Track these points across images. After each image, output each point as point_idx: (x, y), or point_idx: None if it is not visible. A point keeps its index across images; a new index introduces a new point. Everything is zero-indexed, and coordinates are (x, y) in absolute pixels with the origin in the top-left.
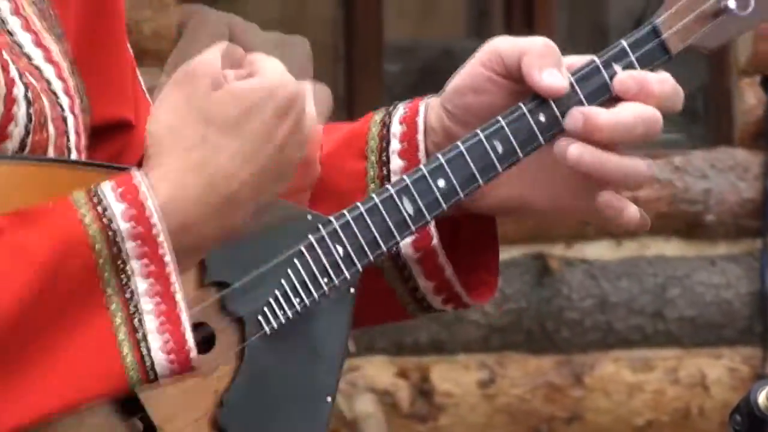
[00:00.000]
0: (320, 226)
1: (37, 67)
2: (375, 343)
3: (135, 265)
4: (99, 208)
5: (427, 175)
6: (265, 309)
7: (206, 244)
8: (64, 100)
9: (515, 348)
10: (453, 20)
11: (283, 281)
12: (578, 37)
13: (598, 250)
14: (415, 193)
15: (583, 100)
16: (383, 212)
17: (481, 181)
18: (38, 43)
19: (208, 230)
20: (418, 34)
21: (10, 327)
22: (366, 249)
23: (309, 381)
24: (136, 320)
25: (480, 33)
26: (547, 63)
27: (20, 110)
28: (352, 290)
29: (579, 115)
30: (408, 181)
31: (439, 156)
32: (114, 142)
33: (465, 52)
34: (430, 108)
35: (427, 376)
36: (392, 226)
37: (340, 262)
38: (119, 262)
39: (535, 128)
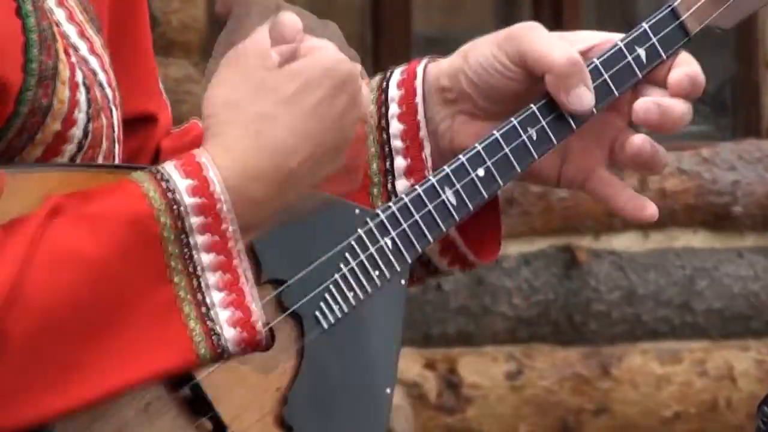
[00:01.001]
0: (368, 220)
1: (83, 58)
2: (402, 335)
3: (199, 239)
4: (163, 184)
5: (466, 163)
6: (321, 304)
7: (266, 219)
8: (108, 92)
9: (543, 340)
10: (481, 11)
11: (336, 276)
12: (607, 26)
13: (626, 242)
14: (455, 181)
15: (611, 84)
16: (426, 202)
17: (519, 168)
18: (82, 35)
19: (269, 205)
20: (446, 25)
21: (82, 302)
22: (413, 240)
23: (367, 374)
24: (200, 294)
25: (508, 24)
26: (573, 83)
27: (82, 96)
28: (403, 282)
29: (654, 106)
30: (448, 170)
31: (477, 145)
32: (137, 136)
33: None
34: (438, 70)
35: (454, 368)
36: (437, 216)
37: (389, 254)
38: (183, 236)
39: (569, 119)
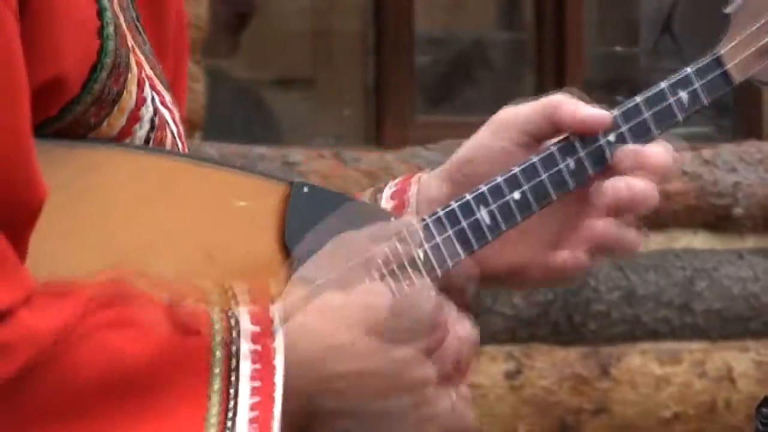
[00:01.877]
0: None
1: (156, 108)
2: None
3: (245, 367)
4: (231, 322)
5: (503, 186)
6: None
7: (301, 406)
8: (180, 144)
9: (542, 340)
10: (484, 11)
11: (367, 281)
12: (608, 29)
13: None
14: (491, 201)
15: (649, 122)
16: (460, 218)
17: (554, 196)
18: (153, 88)
19: (316, 398)
20: (448, 24)
21: (112, 394)
22: (445, 253)
23: None
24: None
25: (511, 24)
26: (579, 104)
27: (141, 130)
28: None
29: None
30: (484, 189)
31: (515, 169)
32: None
33: (495, 43)
34: (428, 181)
35: None
36: (469, 233)
37: (420, 264)
38: (233, 359)
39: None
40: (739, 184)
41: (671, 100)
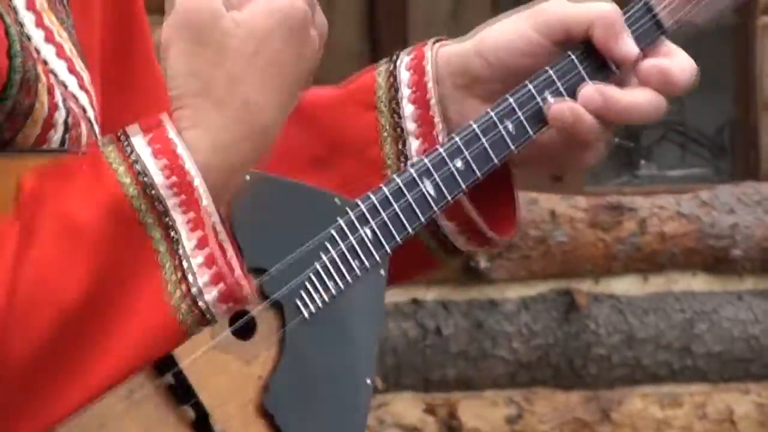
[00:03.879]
0: (348, 210)
1: (72, 94)
2: (402, 379)
3: (179, 218)
4: (136, 167)
5: (445, 156)
6: (302, 293)
7: (243, 174)
8: (97, 128)
9: (543, 384)
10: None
11: (317, 265)
12: None
13: (625, 286)
14: (435, 174)
15: (585, 77)
16: (406, 194)
17: (496, 161)
18: (72, 70)
19: (245, 166)
20: None
21: (78, 311)
22: (393, 231)
23: (348, 364)
24: (189, 275)
25: None
26: (620, 29)
27: (56, 135)
28: (382, 272)
29: (597, 94)
30: (428, 163)
31: (455, 137)
32: None
33: None
34: (449, 53)
35: (454, 412)
36: (416, 208)
37: (369, 244)
38: (165, 217)
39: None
40: (737, 226)
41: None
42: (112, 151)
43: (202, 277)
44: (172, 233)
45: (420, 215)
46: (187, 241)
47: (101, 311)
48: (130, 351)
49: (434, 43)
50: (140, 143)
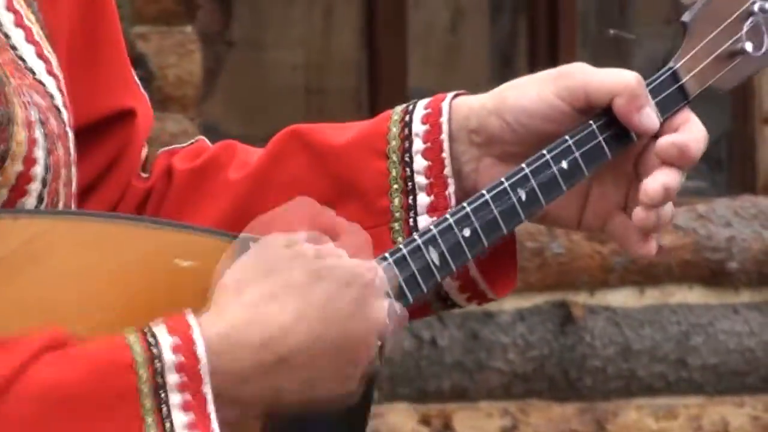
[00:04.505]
0: None
1: (40, 81)
2: (397, 390)
3: (176, 398)
4: (149, 338)
5: (453, 224)
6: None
7: (250, 399)
8: (65, 115)
9: (538, 395)
10: (477, 66)
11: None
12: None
13: (621, 298)
14: (441, 242)
15: (604, 146)
16: (410, 262)
17: (505, 230)
18: (40, 55)
19: (255, 384)
20: (442, 80)
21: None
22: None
23: None
24: None
25: (504, 79)
26: (644, 101)
27: (39, 132)
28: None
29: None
30: (435, 231)
31: (465, 204)
32: (118, 133)
33: None
34: (467, 110)
35: (449, 424)
36: (419, 276)
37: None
38: (161, 392)
39: (559, 177)
40: (733, 239)
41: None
42: (131, 329)
43: None
44: (164, 408)
45: (423, 285)
46: (177, 419)
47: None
48: None
49: (453, 97)
50: (157, 319)
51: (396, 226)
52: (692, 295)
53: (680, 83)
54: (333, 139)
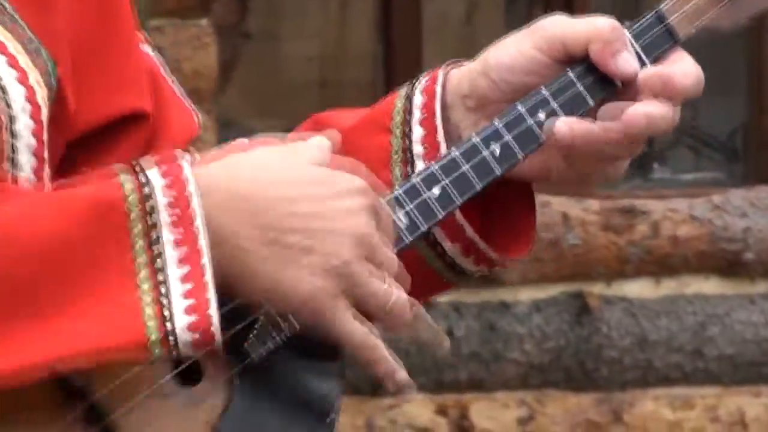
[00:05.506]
0: None
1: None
2: (414, 380)
3: (167, 233)
4: (141, 177)
5: (419, 184)
6: (251, 335)
7: (236, 244)
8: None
9: (554, 386)
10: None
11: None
12: None
13: (638, 288)
14: (409, 204)
15: (584, 93)
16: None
17: (479, 186)
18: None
19: (242, 223)
20: None
21: (36, 265)
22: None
23: (305, 403)
24: (162, 286)
25: None
26: (620, 46)
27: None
28: None
29: (566, 128)
30: (401, 192)
31: (433, 164)
32: (133, 134)
33: None
34: (460, 75)
35: (466, 414)
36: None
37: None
38: (152, 231)
39: (535, 129)
40: (749, 230)
41: (611, 65)
42: (123, 167)
43: (178, 303)
44: (155, 248)
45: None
46: (170, 258)
47: (63, 280)
48: (82, 335)
49: (448, 65)
50: (149, 162)
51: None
52: (708, 286)
53: (665, 23)
54: (344, 123)
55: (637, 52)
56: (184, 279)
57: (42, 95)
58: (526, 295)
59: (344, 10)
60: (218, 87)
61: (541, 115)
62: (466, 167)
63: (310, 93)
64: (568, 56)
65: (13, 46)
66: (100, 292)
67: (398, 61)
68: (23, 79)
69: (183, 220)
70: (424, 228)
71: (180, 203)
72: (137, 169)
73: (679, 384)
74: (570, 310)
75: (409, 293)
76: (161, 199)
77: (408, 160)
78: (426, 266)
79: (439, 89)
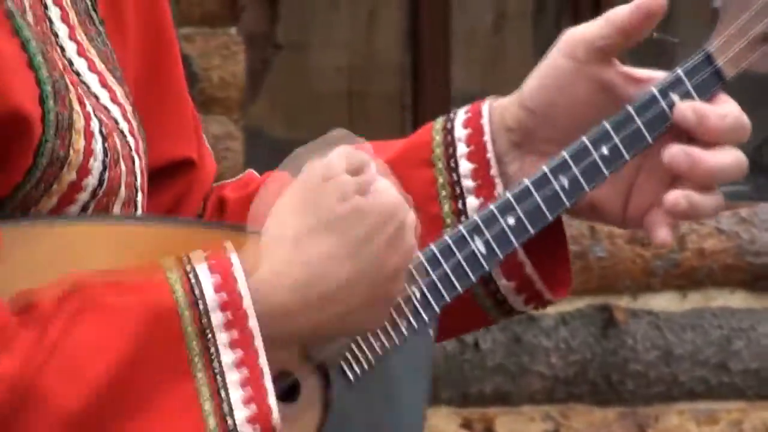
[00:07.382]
0: None
1: (104, 107)
2: (440, 394)
3: (222, 336)
4: (191, 278)
5: (497, 213)
6: (347, 355)
7: (295, 333)
8: (131, 140)
9: (580, 399)
10: (521, 69)
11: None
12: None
13: (663, 302)
14: (485, 231)
15: (643, 129)
16: (456, 252)
17: (550, 217)
18: (103, 84)
19: (296, 320)
20: (486, 81)
21: (103, 395)
22: (442, 290)
23: (395, 426)
24: (222, 392)
25: None
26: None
27: (98, 144)
28: (431, 332)
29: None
30: (478, 220)
31: (508, 194)
32: (179, 180)
33: None
34: (501, 109)
35: (491, 427)
36: (466, 266)
37: (417, 304)
38: (207, 332)
39: (600, 163)
40: None
41: (663, 104)
42: (170, 261)
43: (234, 396)
44: (211, 348)
45: (470, 274)
46: (225, 357)
47: (128, 396)
48: None
49: (491, 101)
50: (198, 256)
51: (449, 231)
52: (734, 299)
53: (715, 66)
54: (377, 154)
55: (687, 90)
56: (244, 383)
57: (143, 148)
58: (552, 307)
59: (373, 21)
60: (246, 96)
61: (605, 150)
62: (537, 198)
63: (338, 103)
64: (593, 54)
65: (120, 94)
66: (167, 413)
67: (426, 72)
68: (124, 114)
69: (236, 322)
70: (500, 256)
71: (232, 306)
72: (187, 268)
73: (704, 398)
74: (596, 323)
75: (448, 327)
76: (211, 296)
77: (457, 195)
78: (473, 304)
79: (486, 123)
